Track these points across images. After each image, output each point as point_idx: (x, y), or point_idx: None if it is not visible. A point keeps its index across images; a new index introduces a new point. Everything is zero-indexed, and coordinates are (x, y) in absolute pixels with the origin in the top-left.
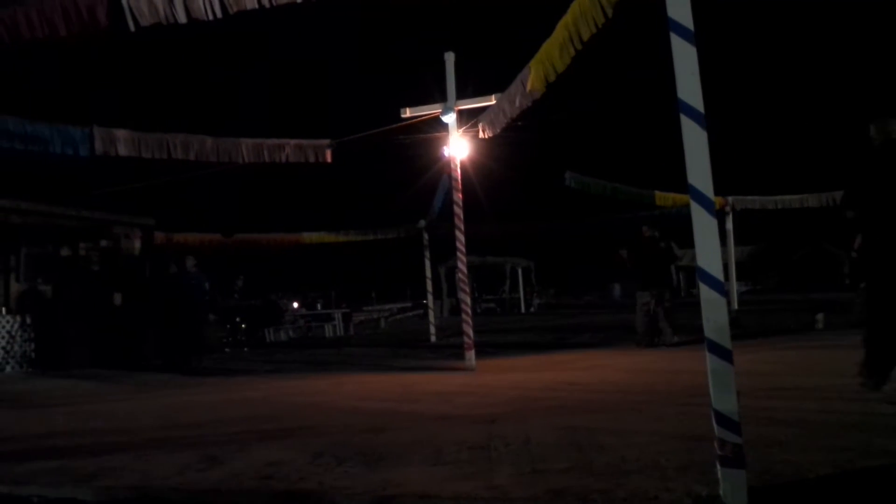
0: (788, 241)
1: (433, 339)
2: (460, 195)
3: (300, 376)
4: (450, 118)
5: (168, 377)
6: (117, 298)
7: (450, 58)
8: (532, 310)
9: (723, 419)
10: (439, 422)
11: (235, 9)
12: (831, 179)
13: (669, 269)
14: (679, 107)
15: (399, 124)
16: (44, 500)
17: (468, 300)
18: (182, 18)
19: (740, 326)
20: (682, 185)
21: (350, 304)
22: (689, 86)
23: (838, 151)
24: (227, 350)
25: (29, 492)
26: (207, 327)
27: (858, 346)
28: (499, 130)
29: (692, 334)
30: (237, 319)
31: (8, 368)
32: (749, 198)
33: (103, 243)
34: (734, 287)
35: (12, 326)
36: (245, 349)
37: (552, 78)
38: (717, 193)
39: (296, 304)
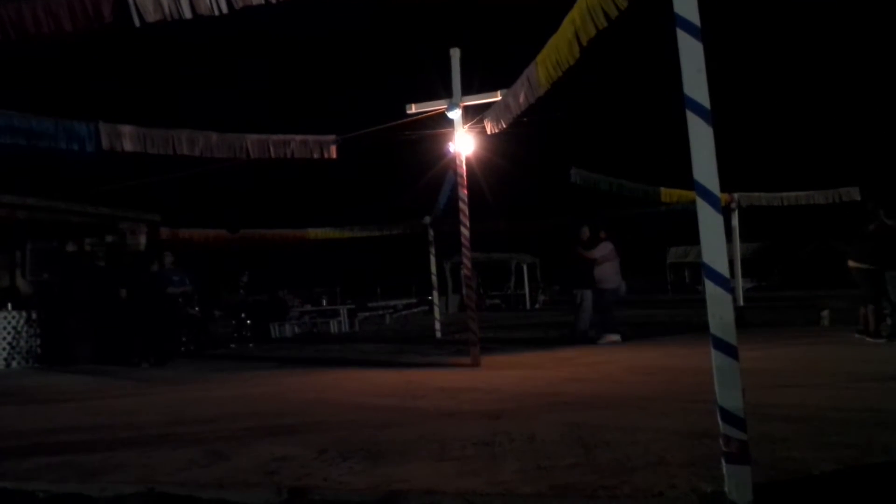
0: (794, 238)
1: (438, 335)
2: (465, 191)
3: (305, 372)
4: (455, 114)
5: (172, 373)
6: (123, 294)
7: (455, 54)
8: (537, 306)
9: (728, 416)
10: (444, 418)
11: (241, 4)
12: (838, 176)
13: (588, 269)
14: (685, 103)
15: (404, 120)
16: (49, 496)
17: (473, 296)
18: (187, 14)
19: (746, 323)
20: (688, 181)
21: (355, 300)
22: (695, 82)
23: (845, 148)
24: (232, 346)
25: (34, 487)
26: (185, 325)
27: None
28: (504, 127)
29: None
30: (242, 315)
31: (14, 364)
32: (755, 194)
33: (109, 239)
34: (740, 284)
35: (18, 322)
36: (250, 345)
37: (559, 74)
38: (722, 190)
39: (298, 301)
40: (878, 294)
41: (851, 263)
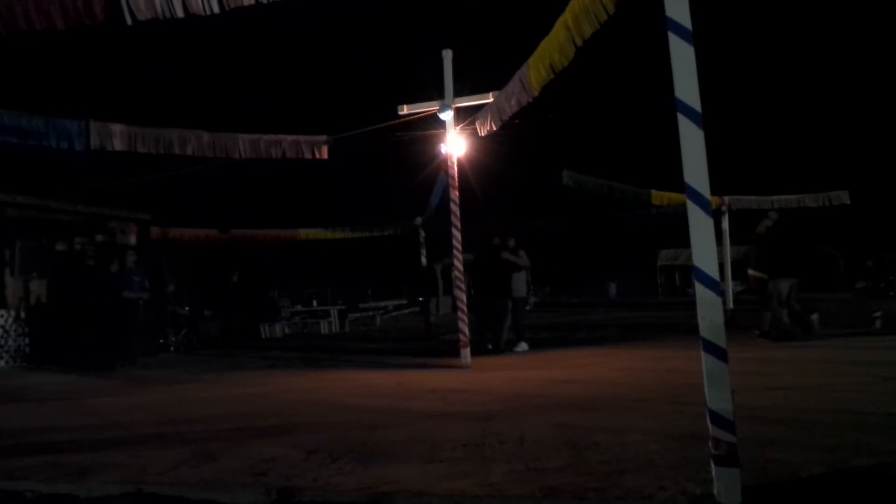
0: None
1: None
2: (457, 192)
3: (295, 373)
4: (447, 115)
5: (163, 373)
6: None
7: (447, 55)
8: (528, 307)
9: (717, 418)
10: (434, 419)
11: (232, 5)
12: (828, 180)
13: (507, 277)
14: (677, 106)
15: (396, 121)
16: (37, 496)
17: (464, 298)
18: (179, 13)
19: (736, 325)
20: (678, 184)
21: (346, 300)
22: (686, 85)
23: (835, 152)
24: (222, 346)
25: (22, 487)
26: (144, 326)
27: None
28: (496, 128)
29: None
30: (233, 315)
31: (2, 363)
32: (745, 198)
33: (99, 238)
34: (729, 286)
35: (6, 321)
36: (240, 345)
37: (551, 76)
38: (713, 193)
39: (288, 302)
40: (770, 300)
41: (750, 272)
